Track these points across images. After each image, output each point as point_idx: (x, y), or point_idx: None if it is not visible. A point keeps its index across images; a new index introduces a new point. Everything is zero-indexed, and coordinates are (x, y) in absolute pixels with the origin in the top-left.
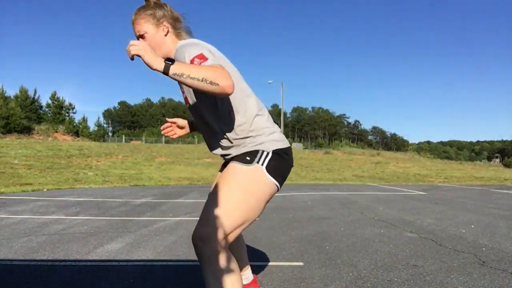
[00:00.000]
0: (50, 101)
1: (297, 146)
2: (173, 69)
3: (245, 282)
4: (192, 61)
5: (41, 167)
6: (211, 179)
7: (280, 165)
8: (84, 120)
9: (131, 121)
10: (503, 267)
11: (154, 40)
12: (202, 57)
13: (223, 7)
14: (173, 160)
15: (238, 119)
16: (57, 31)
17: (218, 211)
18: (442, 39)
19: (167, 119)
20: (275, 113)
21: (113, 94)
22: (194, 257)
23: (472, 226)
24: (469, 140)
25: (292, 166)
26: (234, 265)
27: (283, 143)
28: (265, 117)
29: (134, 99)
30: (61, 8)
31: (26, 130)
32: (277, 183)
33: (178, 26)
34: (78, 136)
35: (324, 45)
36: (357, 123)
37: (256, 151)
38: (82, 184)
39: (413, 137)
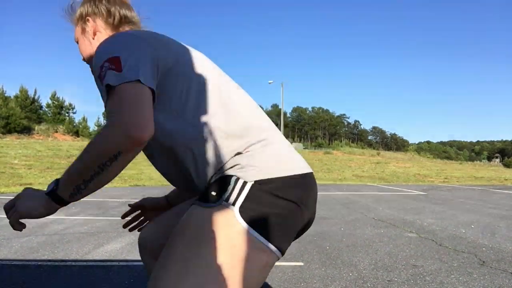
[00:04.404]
0: (50, 101)
1: (297, 146)
2: (60, 183)
3: None
4: (100, 73)
5: (41, 167)
6: None
7: None
8: (84, 120)
9: None
10: (503, 267)
11: (83, 50)
12: (115, 63)
13: (224, 7)
14: None
15: None
16: (57, 31)
17: None
18: (442, 39)
19: (129, 205)
20: (275, 113)
21: None
22: None
23: (472, 226)
24: (469, 140)
25: None
26: None
27: None
28: None
29: None
30: (61, 8)
31: (26, 130)
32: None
33: (125, 26)
34: (78, 136)
35: (325, 45)
36: (357, 123)
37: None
38: None
39: (413, 137)
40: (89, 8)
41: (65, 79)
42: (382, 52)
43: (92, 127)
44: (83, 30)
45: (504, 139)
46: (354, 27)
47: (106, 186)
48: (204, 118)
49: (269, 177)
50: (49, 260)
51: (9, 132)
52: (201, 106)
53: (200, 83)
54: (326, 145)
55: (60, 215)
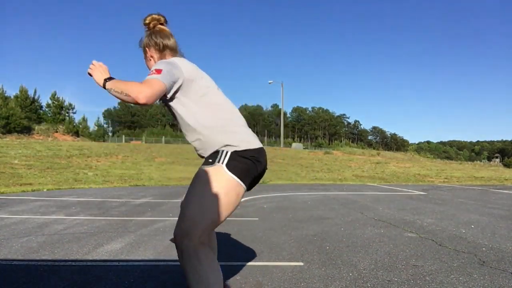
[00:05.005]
0: (50, 101)
1: (297, 146)
2: (107, 85)
3: None
4: (151, 72)
5: (41, 167)
6: None
7: None
8: (84, 120)
9: (131, 121)
10: (503, 267)
11: (147, 63)
12: (158, 71)
13: (224, 7)
14: (173, 160)
15: None
16: (57, 31)
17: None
18: (442, 39)
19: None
20: (275, 113)
21: None
22: None
23: (472, 226)
24: (469, 140)
25: None
26: (212, 260)
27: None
28: None
29: None
30: (61, 8)
31: (26, 130)
32: None
33: (167, 51)
34: (78, 136)
35: (324, 45)
36: (357, 123)
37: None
38: (82, 184)
39: (413, 137)
40: (147, 41)
41: (65, 79)
42: (382, 51)
43: (92, 127)
44: (146, 54)
45: (504, 139)
46: (354, 27)
47: (105, 186)
48: (206, 119)
49: (240, 149)
50: (49, 260)
51: (9, 132)
52: (205, 110)
53: (206, 94)
54: (326, 145)
55: (60, 215)
